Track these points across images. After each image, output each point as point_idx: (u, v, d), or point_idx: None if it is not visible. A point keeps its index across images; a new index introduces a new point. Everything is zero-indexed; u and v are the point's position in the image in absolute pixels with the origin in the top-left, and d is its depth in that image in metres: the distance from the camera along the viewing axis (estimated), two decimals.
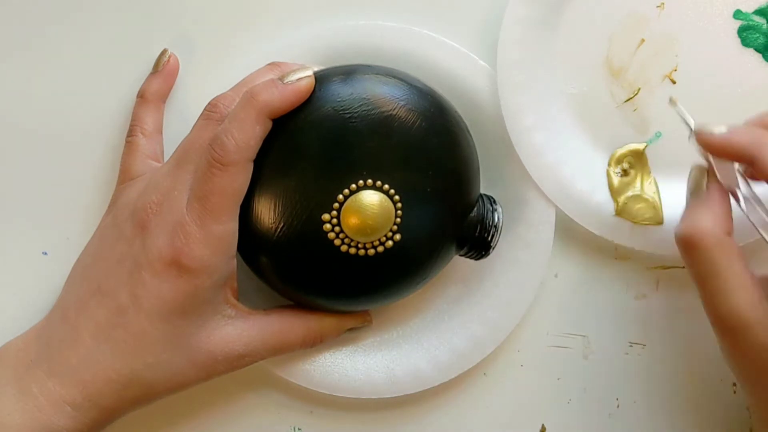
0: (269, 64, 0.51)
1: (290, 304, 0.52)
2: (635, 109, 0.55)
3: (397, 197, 0.47)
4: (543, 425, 0.57)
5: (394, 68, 0.50)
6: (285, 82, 0.46)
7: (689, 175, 0.48)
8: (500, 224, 0.50)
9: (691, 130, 0.47)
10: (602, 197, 0.54)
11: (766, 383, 0.45)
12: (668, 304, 0.56)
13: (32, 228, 0.55)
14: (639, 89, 0.55)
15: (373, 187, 0.47)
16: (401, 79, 0.49)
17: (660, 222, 0.54)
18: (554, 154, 0.53)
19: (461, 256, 0.51)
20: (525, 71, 0.53)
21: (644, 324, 0.56)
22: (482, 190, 0.52)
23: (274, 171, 0.47)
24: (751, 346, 0.44)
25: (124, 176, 0.52)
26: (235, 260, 0.48)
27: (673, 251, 0.49)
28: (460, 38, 0.55)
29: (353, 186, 0.47)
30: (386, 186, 0.47)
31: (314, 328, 0.51)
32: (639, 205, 0.54)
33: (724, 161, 0.46)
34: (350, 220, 0.47)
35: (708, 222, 0.45)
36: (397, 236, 0.48)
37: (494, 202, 0.51)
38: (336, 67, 0.49)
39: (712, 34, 0.54)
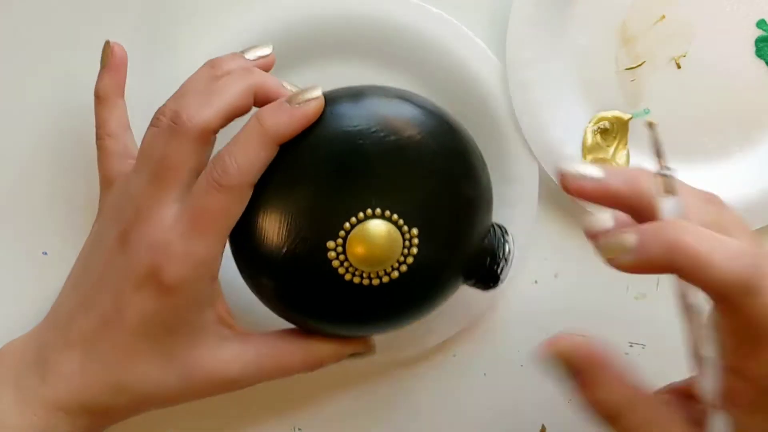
0: (206, 64, 0.48)
1: (291, 327, 0.50)
2: (633, 80, 0.55)
3: (405, 228, 0.45)
4: (543, 425, 0.57)
5: (404, 90, 0.49)
6: (293, 105, 0.44)
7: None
8: (511, 257, 0.49)
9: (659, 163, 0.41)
10: (573, 151, 0.54)
11: None
12: (668, 304, 0.55)
13: (32, 228, 0.55)
14: (643, 62, 0.55)
15: (382, 217, 0.45)
16: (413, 103, 0.47)
17: None
18: (541, 91, 0.54)
19: (467, 285, 0.50)
20: (539, 5, 0.54)
21: (644, 324, 0.56)
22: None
23: (281, 192, 0.45)
24: None
25: (104, 182, 0.50)
26: (218, 282, 0.47)
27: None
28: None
29: (361, 214, 0.45)
30: (395, 216, 0.45)
31: (314, 354, 0.49)
32: None
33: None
34: (356, 250, 0.45)
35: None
36: (404, 267, 0.46)
37: (506, 232, 0.49)
38: (345, 88, 0.47)
39: (730, 34, 0.55)
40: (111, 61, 0.51)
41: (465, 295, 0.54)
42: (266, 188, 0.45)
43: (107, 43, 0.51)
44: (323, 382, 0.56)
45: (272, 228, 0.45)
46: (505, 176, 0.54)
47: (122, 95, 0.52)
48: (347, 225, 0.45)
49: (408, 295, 0.47)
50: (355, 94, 0.47)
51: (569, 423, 0.56)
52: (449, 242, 0.47)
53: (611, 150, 0.55)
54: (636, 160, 0.55)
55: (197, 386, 0.47)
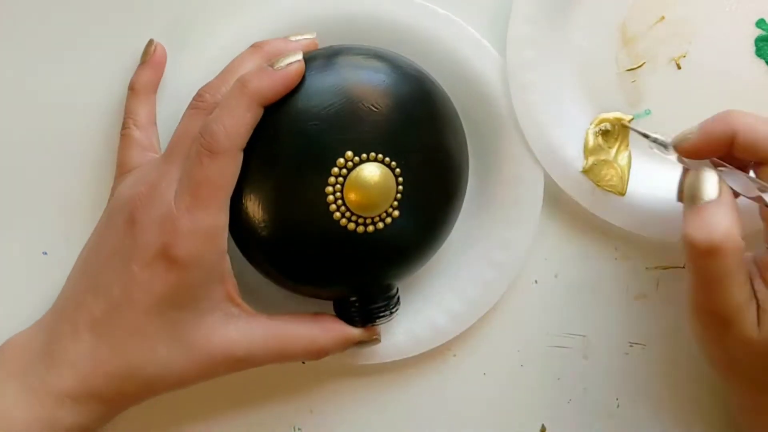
0: (252, 46, 0.51)
1: (297, 313, 0.51)
2: (633, 81, 0.55)
3: (398, 170, 0.48)
4: (543, 425, 0.57)
5: (380, 48, 0.50)
6: (275, 68, 0.46)
7: (684, 181, 0.49)
8: (385, 318, 0.51)
9: (666, 144, 0.49)
10: (575, 152, 0.54)
11: (741, 376, 0.48)
12: (668, 304, 0.56)
13: (32, 228, 0.55)
14: (644, 63, 0.55)
15: (375, 161, 0.47)
16: (388, 59, 0.49)
17: (622, 193, 0.54)
18: (542, 93, 0.54)
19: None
20: (539, 7, 0.54)
21: (644, 324, 0.56)
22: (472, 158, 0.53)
23: (263, 161, 0.47)
24: (734, 339, 0.46)
25: (121, 169, 0.51)
26: (227, 257, 0.47)
27: (629, 225, 0.52)
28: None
29: (348, 153, 0.47)
30: (387, 158, 0.47)
31: (319, 341, 0.50)
32: (606, 171, 0.54)
33: (734, 171, 0.47)
34: (352, 195, 0.47)
35: (729, 227, 0.45)
36: (396, 212, 0.48)
37: (398, 302, 0.52)
38: (323, 49, 0.50)
39: (730, 33, 0.55)
40: (152, 59, 0.53)
41: (465, 297, 0.55)
42: (253, 151, 0.46)
43: (151, 41, 0.53)
44: (323, 381, 0.56)
45: (256, 201, 0.47)
46: (508, 176, 0.55)
47: (155, 92, 0.53)
48: (335, 170, 0.46)
49: (405, 238, 0.49)
50: (327, 56, 0.48)
51: (569, 423, 0.57)
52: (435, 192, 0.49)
53: (613, 151, 0.55)
54: (638, 161, 0.55)
55: (204, 364, 0.48)
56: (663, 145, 0.50)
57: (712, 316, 0.46)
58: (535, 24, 0.53)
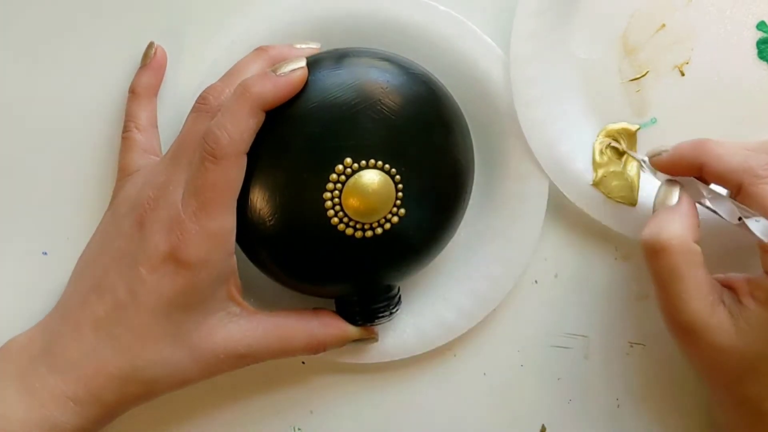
0: (256, 50, 0.51)
1: (296, 309, 0.51)
2: (638, 90, 0.55)
3: (398, 177, 0.48)
4: (543, 425, 0.57)
5: (386, 51, 0.50)
6: (278, 74, 0.46)
7: (658, 189, 0.50)
8: (387, 315, 0.52)
9: (643, 161, 0.51)
10: (583, 165, 0.54)
11: (718, 378, 0.48)
12: None
13: (32, 228, 0.55)
14: (647, 72, 0.55)
15: (375, 167, 0.47)
16: (394, 63, 0.49)
17: (633, 203, 0.54)
18: (547, 109, 0.54)
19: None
20: (539, 23, 0.53)
21: (644, 324, 0.57)
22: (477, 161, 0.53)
23: (264, 163, 0.47)
24: (705, 347, 0.46)
25: (123, 172, 0.52)
26: (234, 257, 0.48)
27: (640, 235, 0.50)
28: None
29: (347, 160, 0.47)
30: (387, 165, 0.47)
31: (317, 336, 0.51)
32: (616, 182, 0.54)
33: (687, 178, 0.49)
34: (350, 201, 0.47)
35: (677, 228, 0.47)
36: (395, 218, 0.48)
37: (400, 302, 0.53)
38: (327, 52, 0.50)
39: (732, 38, 0.55)
40: (153, 62, 0.54)
41: (465, 297, 0.55)
42: (252, 160, 0.47)
43: (151, 43, 0.54)
44: (323, 381, 0.56)
45: (262, 197, 0.47)
46: (514, 173, 0.55)
47: (156, 95, 0.54)
48: (334, 176, 0.47)
49: (403, 244, 0.50)
50: (336, 58, 0.49)
51: (569, 423, 0.57)
52: (436, 197, 0.49)
53: (621, 162, 0.55)
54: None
55: (207, 363, 0.48)
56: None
57: (676, 325, 0.47)
58: (536, 41, 0.53)
